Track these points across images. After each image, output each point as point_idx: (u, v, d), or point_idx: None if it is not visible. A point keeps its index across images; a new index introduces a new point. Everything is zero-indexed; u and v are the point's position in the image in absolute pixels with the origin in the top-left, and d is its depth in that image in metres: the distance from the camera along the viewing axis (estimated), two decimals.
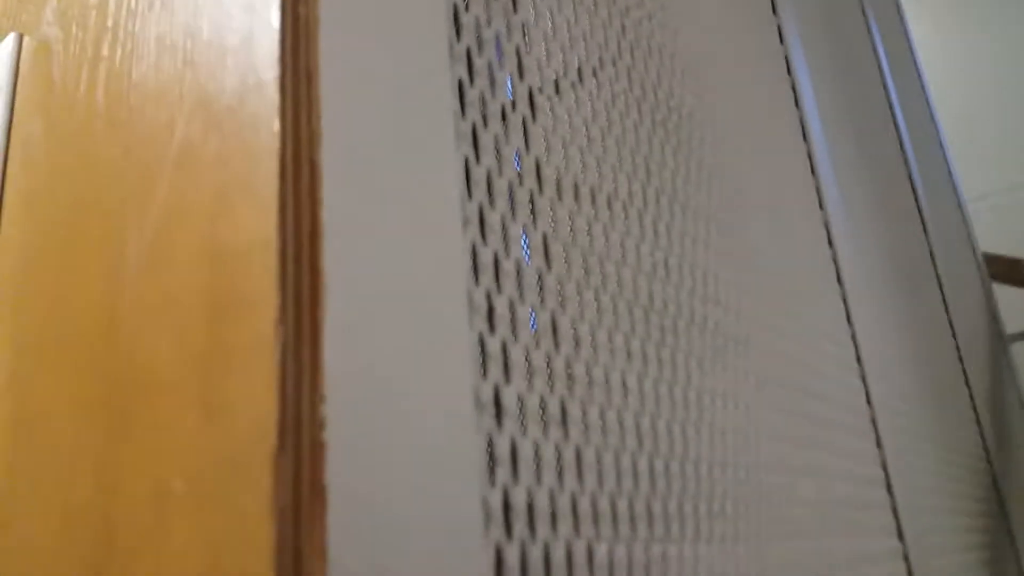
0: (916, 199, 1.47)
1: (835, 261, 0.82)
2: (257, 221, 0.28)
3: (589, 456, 0.38)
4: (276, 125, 0.28)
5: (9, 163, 0.44)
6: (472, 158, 0.37)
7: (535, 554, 0.33)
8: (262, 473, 0.25)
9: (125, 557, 0.29)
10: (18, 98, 0.45)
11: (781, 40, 0.89)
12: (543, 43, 0.46)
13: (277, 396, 0.25)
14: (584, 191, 0.46)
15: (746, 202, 0.67)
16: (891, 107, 1.52)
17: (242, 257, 0.28)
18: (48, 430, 0.35)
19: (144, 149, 0.34)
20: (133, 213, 0.34)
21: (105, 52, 0.39)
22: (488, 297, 0.35)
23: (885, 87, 1.52)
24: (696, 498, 0.45)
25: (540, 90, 0.44)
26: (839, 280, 0.82)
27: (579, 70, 0.49)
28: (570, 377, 0.39)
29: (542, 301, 0.39)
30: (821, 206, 0.84)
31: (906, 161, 1.47)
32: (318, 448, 0.25)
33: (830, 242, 0.83)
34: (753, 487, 0.51)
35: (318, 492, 0.25)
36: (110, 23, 0.39)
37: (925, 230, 1.45)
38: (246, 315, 0.27)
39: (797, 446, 0.60)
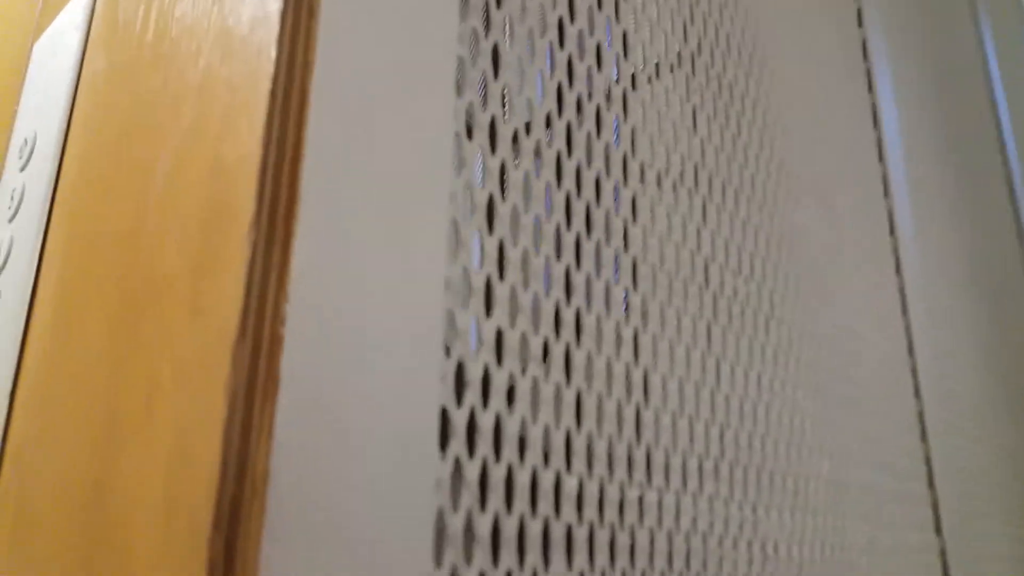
0: (1015, 209, 1.40)
1: (895, 251, 0.81)
2: (248, 139, 0.30)
3: (568, 395, 0.40)
4: (273, 52, 0.31)
5: (78, 96, 0.49)
6: (478, 104, 0.39)
7: (497, 474, 0.35)
8: (224, 360, 0.28)
9: (121, 440, 0.32)
10: (90, 38, 0.49)
11: (860, 23, 0.87)
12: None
13: (243, 292, 0.28)
14: (616, 158, 0.47)
15: (795, 184, 0.67)
16: (997, 116, 1.45)
17: (233, 171, 0.31)
18: (80, 330, 0.39)
19: (177, 78, 0.38)
20: (164, 136, 0.38)
21: None
22: (480, 236, 0.38)
23: (991, 90, 1.45)
24: (686, 454, 0.46)
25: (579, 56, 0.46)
26: (897, 270, 0.80)
27: (625, 37, 0.50)
28: (557, 320, 0.40)
29: (537, 245, 0.40)
30: (886, 193, 0.82)
31: (1007, 164, 1.40)
32: (276, 341, 0.28)
33: (892, 231, 0.81)
34: (756, 455, 0.52)
35: (272, 379, 0.27)
36: None
37: (1021, 241, 1.39)
38: (230, 222, 0.30)
39: (816, 423, 0.59)
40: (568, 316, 0.41)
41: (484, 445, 0.35)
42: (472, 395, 0.35)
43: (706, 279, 0.52)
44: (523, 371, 0.38)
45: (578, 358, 0.41)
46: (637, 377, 0.44)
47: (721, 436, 0.49)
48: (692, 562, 0.44)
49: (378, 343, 0.31)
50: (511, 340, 0.38)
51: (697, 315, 0.50)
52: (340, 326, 0.30)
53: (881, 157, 0.84)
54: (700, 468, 0.46)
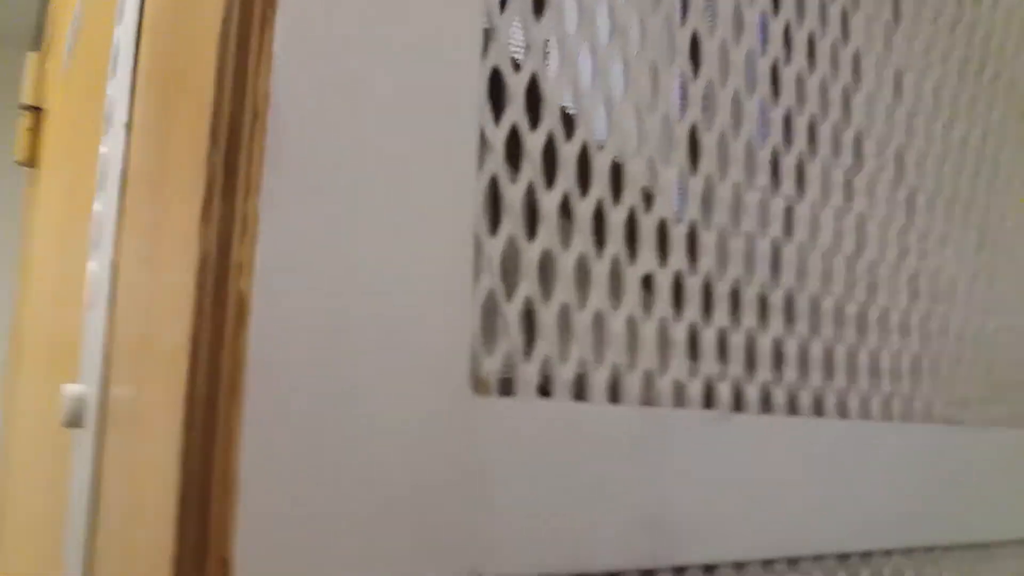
0: None
1: None
2: None
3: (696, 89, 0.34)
4: None
5: None
6: None
7: (568, 152, 0.31)
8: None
9: (175, 134, 0.31)
10: None
11: None
12: None
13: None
14: None
15: None
16: None
17: None
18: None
19: None
20: None
21: None
22: None
23: None
24: (825, 160, 0.39)
25: None
26: None
27: None
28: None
29: None
30: None
31: None
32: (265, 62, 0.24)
33: None
34: (928, 179, 0.43)
35: (261, 101, 0.24)
36: None
37: None
38: None
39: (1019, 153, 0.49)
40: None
41: (551, 118, 0.31)
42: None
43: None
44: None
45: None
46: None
47: (879, 152, 0.41)
48: (833, 285, 0.38)
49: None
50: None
51: None
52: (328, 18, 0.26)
53: None
54: (849, 182, 0.39)
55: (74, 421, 0.36)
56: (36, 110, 0.97)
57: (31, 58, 1.02)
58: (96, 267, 0.40)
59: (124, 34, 0.43)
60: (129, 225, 0.36)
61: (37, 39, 1.15)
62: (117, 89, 0.43)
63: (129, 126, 0.40)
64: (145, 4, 0.41)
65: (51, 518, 0.43)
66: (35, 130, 0.96)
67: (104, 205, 0.41)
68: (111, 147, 0.41)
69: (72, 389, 0.37)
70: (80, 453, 0.37)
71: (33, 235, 0.88)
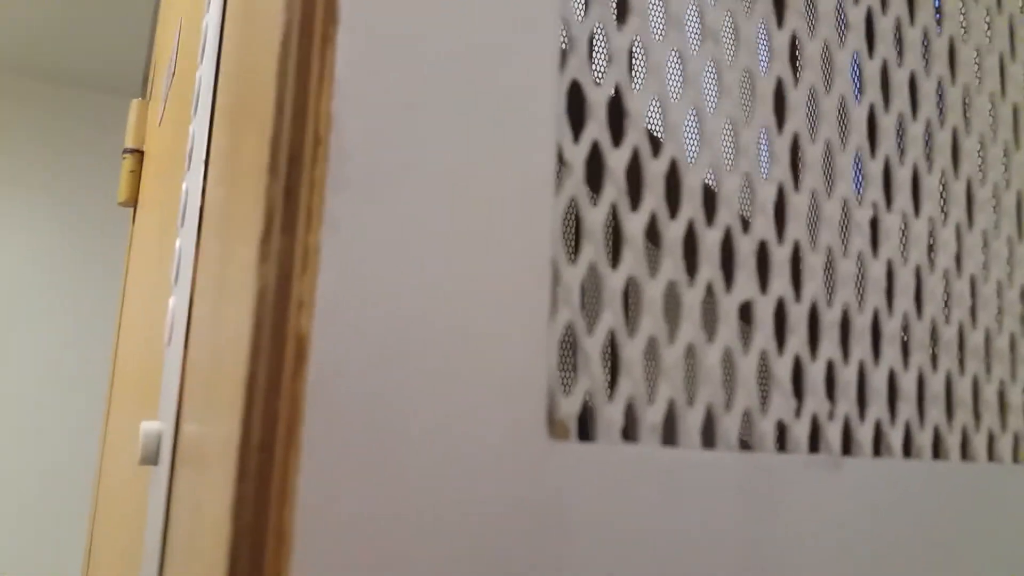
0: None
1: None
2: None
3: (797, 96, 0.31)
4: None
5: None
6: None
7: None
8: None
9: (240, 166, 0.30)
10: None
11: None
12: None
13: None
14: None
15: None
16: None
17: None
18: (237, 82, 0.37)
19: None
20: None
21: None
22: None
23: None
24: (946, 172, 0.35)
25: None
26: None
27: None
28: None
29: None
30: None
31: None
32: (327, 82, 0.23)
33: None
34: None
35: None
36: None
37: None
38: None
39: None
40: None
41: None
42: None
43: None
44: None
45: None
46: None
47: (996, 202, 0.37)
48: (955, 310, 0.34)
49: None
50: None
51: None
52: None
53: None
54: (968, 191, 0.36)
55: (148, 458, 0.36)
56: (137, 153, 1.01)
57: (134, 104, 1.06)
58: (175, 303, 0.39)
59: (205, 73, 0.43)
60: (203, 261, 0.35)
61: (143, 88, 1.20)
62: (198, 126, 0.43)
63: (207, 162, 0.39)
64: (223, 41, 0.41)
65: (133, 559, 0.43)
66: (136, 172, 1.00)
67: (184, 241, 0.41)
68: (191, 184, 0.41)
69: (149, 426, 0.37)
70: (155, 491, 0.36)
71: (129, 274, 0.91)
